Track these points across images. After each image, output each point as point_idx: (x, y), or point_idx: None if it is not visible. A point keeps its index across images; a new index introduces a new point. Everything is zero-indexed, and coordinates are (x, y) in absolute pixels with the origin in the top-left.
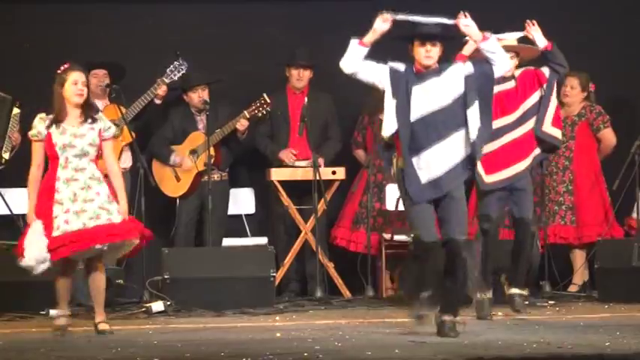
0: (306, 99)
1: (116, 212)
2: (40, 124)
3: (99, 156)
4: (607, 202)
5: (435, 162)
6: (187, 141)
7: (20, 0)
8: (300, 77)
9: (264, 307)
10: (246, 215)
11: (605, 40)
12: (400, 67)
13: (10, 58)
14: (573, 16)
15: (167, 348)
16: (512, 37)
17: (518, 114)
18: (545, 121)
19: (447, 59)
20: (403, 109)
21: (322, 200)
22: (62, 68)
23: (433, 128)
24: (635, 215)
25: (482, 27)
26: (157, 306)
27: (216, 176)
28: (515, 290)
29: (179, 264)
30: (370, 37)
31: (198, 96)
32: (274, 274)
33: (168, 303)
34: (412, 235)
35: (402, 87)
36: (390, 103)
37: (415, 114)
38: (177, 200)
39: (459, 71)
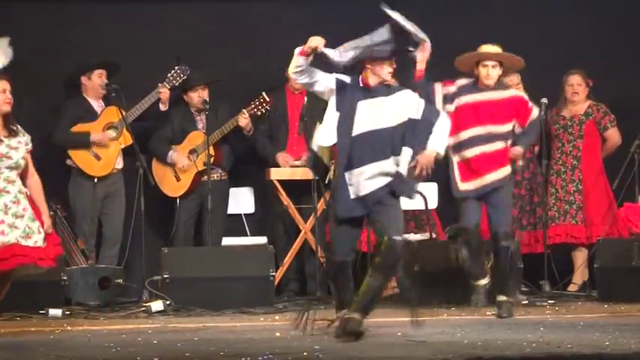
0: (305, 99)
1: (37, 232)
2: None
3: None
4: (612, 201)
5: (365, 181)
6: (187, 140)
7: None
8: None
9: (264, 307)
10: (246, 215)
11: (605, 39)
12: (346, 79)
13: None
14: (573, 15)
15: (166, 347)
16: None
17: (490, 130)
18: None
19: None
20: (346, 123)
21: (322, 200)
22: None
23: (371, 147)
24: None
25: (480, 27)
26: (157, 305)
27: (215, 176)
28: (502, 297)
29: (178, 263)
30: (309, 47)
31: (198, 96)
32: (274, 274)
33: (168, 302)
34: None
35: (348, 100)
36: (332, 115)
37: (357, 129)
38: (177, 200)
39: (412, 102)
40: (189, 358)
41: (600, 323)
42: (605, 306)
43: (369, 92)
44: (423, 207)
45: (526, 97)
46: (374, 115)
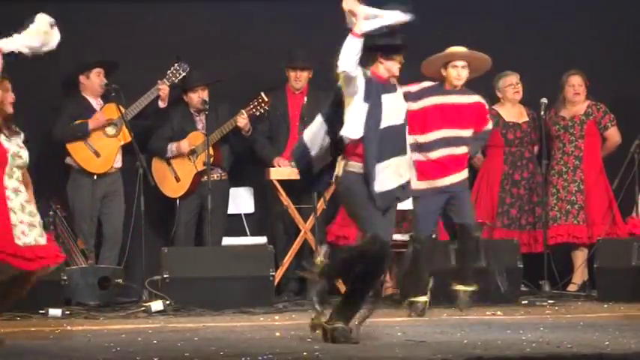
0: (305, 99)
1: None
2: None
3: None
4: (612, 201)
5: (389, 175)
6: (187, 142)
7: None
8: (297, 78)
9: (264, 307)
10: (246, 214)
11: (604, 39)
12: (364, 71)
13: (10, 56)
14: (573, 14)
15: (166, 347)
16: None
17: (457, 134)
18: None
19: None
20: (375, 115)
21: (321, 199)
22: None
23: (392, 142)
24: (635, 214)
25: (478, 27)
26: (157, 305)
27: (215, 176)
28: (460, 287)
29: (178, 263)
30: (359, 25)
31: (198, 96)
32: (273, 274)
33: (168, 302)
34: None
35: (373, 92)
36: (360, 107)
37: (384, 122)
38: (177, 200)
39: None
40: (189, 358)
41: (600, 323)
42: (605, 306)
43: (386, 86)
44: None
45: (487, 106)
46: (394, 110)
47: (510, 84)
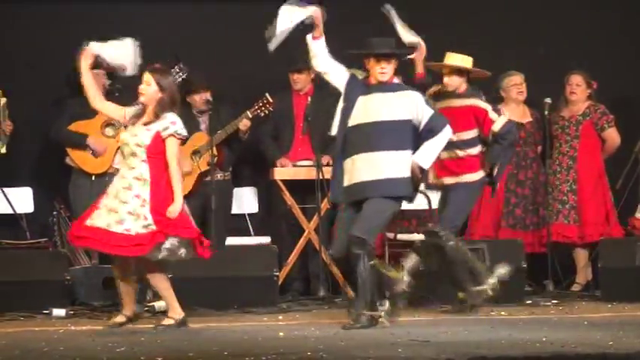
0: (309, 99)
1: (142, 219)
2: (130, 108)
3: (156, 157)
4: (609, 202)
5: (357, 170)
6: (189, 142)
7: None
8: (295, 80)
9: (268, 307)
10: (250, 214)
11: (607, 39)
12: (359, 76)
13: (11, 57)
14: (575, 15)
15: (170, 347)
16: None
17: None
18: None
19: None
20: (345, 114)
21: (325, 199)
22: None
23: (363, 138)
24: (638, 215)
25: (484, 27)
26: (161, 305)
27: (219, 175)
28: (460, 295)
29: (182, 263)
30: (319, 29)
31: (201, 98)
32: (277, 274)
33: None
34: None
35: (351, 94)
36: (340, 106)
37: (352, 121)
38: None
39: (412, 103)
40: (192, 357)
41: (604, 323)
42: (609, 306)
43: (369, 88)
44: (426, 207)
45: (483, 106)
46: (368, 109)
47: (515, 84)
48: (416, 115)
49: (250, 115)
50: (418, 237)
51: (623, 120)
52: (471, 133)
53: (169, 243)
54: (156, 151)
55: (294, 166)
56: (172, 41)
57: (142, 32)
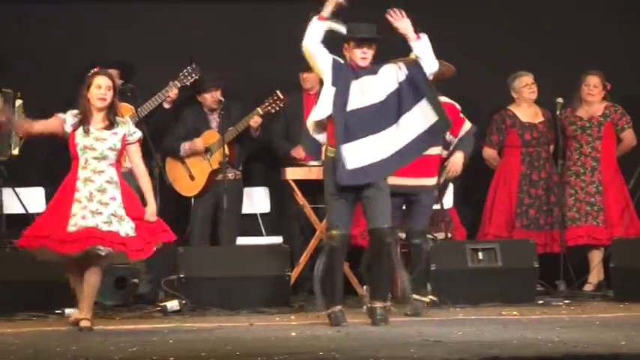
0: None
1: (127, 221)
2: (69, 115)
3: (120, 160)
4: (629, 202)
5: (363, 153)
6: (201, 139)
7: (32, 1)
8: (305, 79)
9: (280, 306)
10: (261, 214)
11: (618, 39)
12: (341, 60)
13: (23, 57)
14: (587, 15)
15: (182, 347)
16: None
17: None
18: None
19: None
20: (342, 98)
21: None
22: (91, 72)
23: (364, 122)
24: None
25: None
26: (173, 305)
27: (230, 175)
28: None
29: (194, 263)
30: (327, 9)
31: (212, 96)
32: (289, 273)
33: (184, 302)
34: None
35: (342, 78)
36: (328, 90)
37: (350, 106)
38: (192, 199)
39: (393, 70)
40: (205, 357)
41: (616, 323)
42: (621, 306)
43: (358, 73)
44: (437, 206)
45: (458, 106)
46: (364, 92)
47: (526, 84)
48: (398, 77)
49: (261, 112)
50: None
51: (633, 120)
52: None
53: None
54: (120, 154)
55: (306, 165)
56: (184, 40)
57: (154, 32)
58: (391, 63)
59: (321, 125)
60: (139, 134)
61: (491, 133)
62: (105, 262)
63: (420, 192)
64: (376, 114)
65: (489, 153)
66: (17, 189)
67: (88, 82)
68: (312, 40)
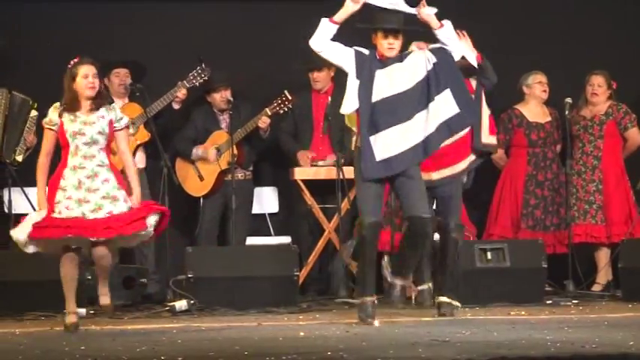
0: (329, 98)
1: (122, 200)
2: (53, 113)
3: (110, 145)
4: (632, 201)
5: (392, 142)
6: (210, 140)
7: (42, 0)
8: (315, 79)
9: (288, 306)
10: (270, 214)
11: (623, 38)
12: (365, 51)
13: (32, 57)
14: (593, 13)
15: (191, 347)
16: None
17: None
18: (482, 132)
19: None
20: (366, 89)
21: (346, 199)
22: (72, 62)
23: (393, 111)
24: None
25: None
26: (181, 305)
27: (240, 175)
28: (442, 298)
29: (203, 263)
30: (340, 15)
31: (221, 96)
32: (298, 273)
33: (192, 302)
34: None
35: (366, 69)
36: (353, 83)
37: (377, 96)
38: (201, 199)
39: (421, 58)
40: (213, 357)
41: (624, 323)
42: (630, 306)
43: (384, 62)
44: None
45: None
46: (392, 81)
47: (540, 81)
48: (429, 64)
49: (269, 113)
50: None
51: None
52: None
53: (153, 219)
54: (110, 139)
55: (315, 165)
56: (193, 40)
57: (163, 31)
58: (419, 50)
59: (353, 119)
60: (126, 120)
61: (497, 133)
62: (113, 246)
63: (446, 183)
64: (405, 102)
65: (496, 153)
66: (26, 189)
67: (73, 73)
68: (321, 40)
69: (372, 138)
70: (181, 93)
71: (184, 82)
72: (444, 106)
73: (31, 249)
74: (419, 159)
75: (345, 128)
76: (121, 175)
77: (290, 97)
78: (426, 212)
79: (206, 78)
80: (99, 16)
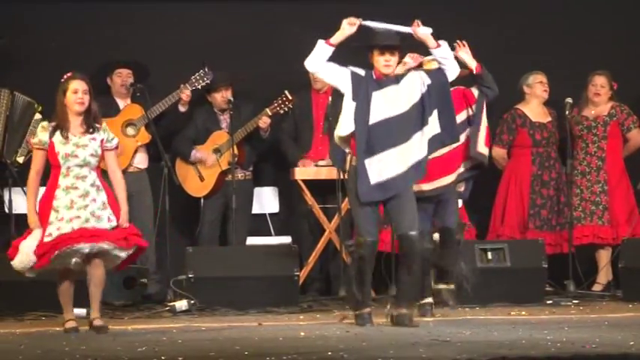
0: (330, 98)
1: (106, 220)
2: (42, 133)
3: (100, 165)
4: (633, 201)
5: (386, 166)
6: (210, 140)
7: (45, 0)
8: (315, 79)
9: (288, 306)
10: (270, 214)
11: (624, 38)
12: (361, 72)
13: (35, 58)
14: (595, 15)
15: (191, 347)
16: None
17: None
18: (478, 141)
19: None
20: (362, 111)
21: (346, 199)
22: (65, 77)
23: (389, 133)
24: None
25: (503, 26)
26: (181, 305)
27: (240, 175)
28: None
29: (203, 263)
30: (337, 37)
31: (222, 96)
32: (298, 273)
33: (193, 302)
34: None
35: (363, 91)
36: (349, 105)
37: (374, 118)
38: (202, 200)
39: (417, 80)
40: (213, 357)
41: (625, 323)
42: (630, 306)
43: (380, 83)
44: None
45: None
46: (388, 103)
47: (540, 81)
48: (423, 86)
49: (270, 113)
50: None
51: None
52: (462, 115)
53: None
54: (101, 160)
55: (315, 165)
56: (195, 40)
57: (165, 32)
58: (414, 71)
59: (346, 140)
60: (116, 141)
61: (501, 133)
62: (109, 263)
63: (442, 192)
64: (401, 124)
65: (499, 152)
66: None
67: (64, 88)
68: (316, 61)
69: (367, 161)
70: (184, 95)
71: (186, 84)
72: (432, 126)
73: (31, 275)
74: (414, 180)
75: (331, 143)
76: (113, 198)
77: (290, 97)
78: (413, 229)
79: (208, 82)
80: (101, 16)
